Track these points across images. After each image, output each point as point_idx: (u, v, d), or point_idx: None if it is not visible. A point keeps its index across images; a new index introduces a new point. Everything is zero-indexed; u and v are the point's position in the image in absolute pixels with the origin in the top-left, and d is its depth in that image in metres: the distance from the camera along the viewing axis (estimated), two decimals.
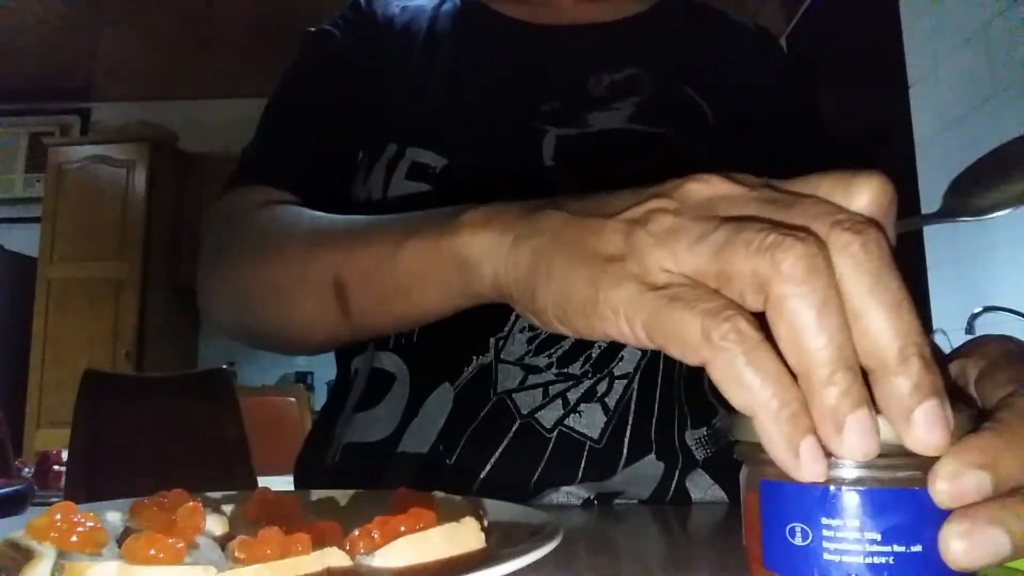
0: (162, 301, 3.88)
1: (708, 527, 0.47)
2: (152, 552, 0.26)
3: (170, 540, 0.26)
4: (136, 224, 3.79)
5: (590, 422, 0.53)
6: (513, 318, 0.55)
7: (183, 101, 4.16)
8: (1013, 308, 1.85)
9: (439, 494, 0.37)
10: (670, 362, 0.55)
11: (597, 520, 0.48)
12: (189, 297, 3.65)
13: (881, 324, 0.22)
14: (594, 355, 0.54)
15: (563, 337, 0.54)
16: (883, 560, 0.23)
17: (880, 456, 0.24)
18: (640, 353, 0.54)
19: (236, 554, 0.27)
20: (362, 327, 0.46)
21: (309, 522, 0.31)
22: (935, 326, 2.24)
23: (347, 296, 0.43)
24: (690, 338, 0.23)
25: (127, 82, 4.04)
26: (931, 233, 2.28)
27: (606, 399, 0.54)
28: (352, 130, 0.64)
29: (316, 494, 0.43)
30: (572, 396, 0.54)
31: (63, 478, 1.74)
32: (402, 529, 0.29)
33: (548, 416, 0.53)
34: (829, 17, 3.09)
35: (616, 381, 0.54)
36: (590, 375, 0.54)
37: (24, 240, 3.86)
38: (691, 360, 0.24)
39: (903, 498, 0.23)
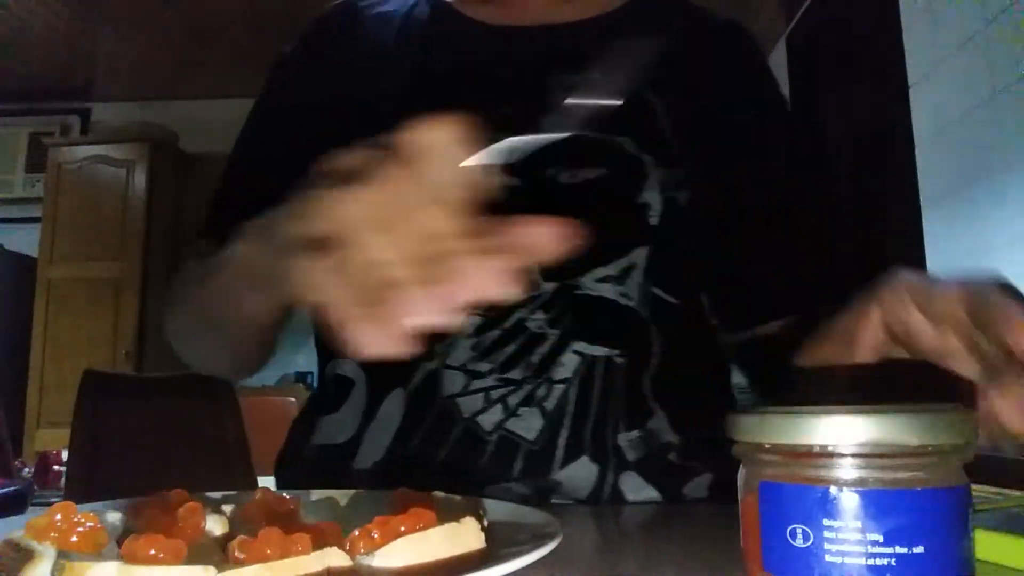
0: (162, 301, 3.87)
1: (701, 527, 0.47)
2: (152, 552, 0.26)
3: (170, 540, 0.26)
4: (136, 224, 3.79)
5: (528, 425, 0.55)
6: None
7: (183, 101, 4.16)
8: None
9: (439, 494, 0.37)
10: (607, 367, 0.57)
11: (589, 520, 0.48)
12: None
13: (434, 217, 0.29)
14: (534, 361, 0.56)
15: (505, 343, 0.56)
16: (885, 562, 0.23)
17: (882, 456, 0.24)
18: (579, 359, 0.56)
19: (236, 554, 0.27)
20: (240, 349, 0.58)
21: (309, 522, 0.31)
22: None
23: (217, 326, 0.54)
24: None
25: (127, 82, 4.03)
26: (931, 233, 2.28)
27: (544, 403, 0.55)
28: (307, 162, 0.65)
29: (316, 494, 0.43)
30: (512, 400, 0.55)
31: (63, 478, 1.74)
32: (402, 529, 0.29)
33: (488, 420, 0.55)
34: (829, 17, 3.09)
35: (555, 386, 0.56)
36: (530, 380, 0.56)
37: (24, 240, 3.86)
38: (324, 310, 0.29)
39: (905, 499, 0.23)
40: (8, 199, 4.11)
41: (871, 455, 0.24)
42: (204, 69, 3.88)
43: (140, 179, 3.82)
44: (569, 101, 0.62)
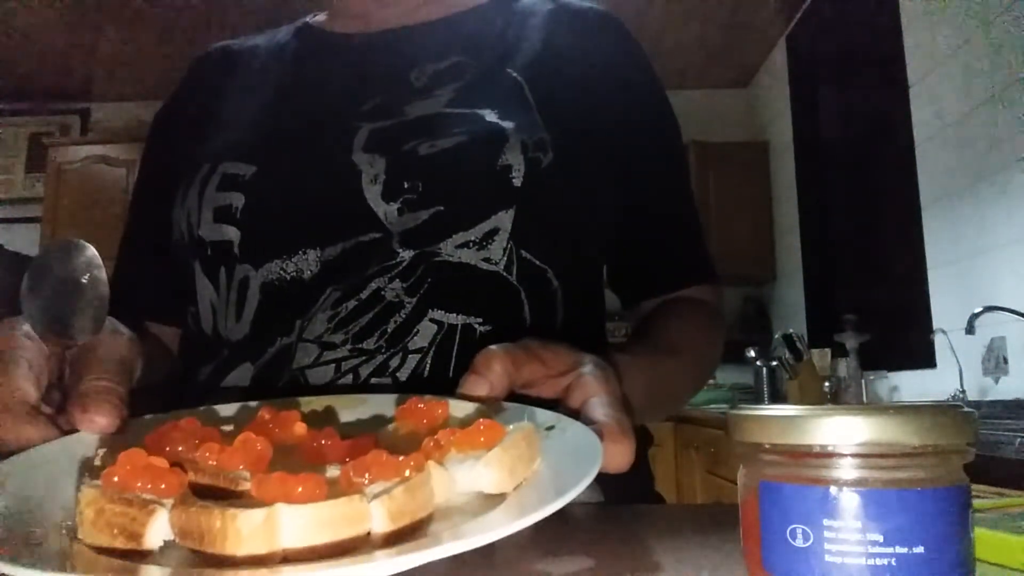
0: None
1: (701, 527, 0.47)
2: (300, 490, 0.25)
3: (310, 475, 0.26)
4: None
5: None
6: (321, 301, 0.55)
7: None
8: (1013, 308, 1.85)
9: (453, 400, 0.38)
10: (467, 336, 0.55)
11: (587, 520, 0.48)
12: None
13: None
14: (389, 330, 0.54)
15: (361, 314, 0.54)
16: (885, 562, 0.23)
17: (882, 456, 0.24)
18: (436, 327, 0.54)
19: (354, 478, 0.27)
20: None
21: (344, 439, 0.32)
22: (935, 326, 2.24)
23: None
24: None
25: (127, 82, 4.03)
26: (931, 234, 2.28)
27: (398, 374, 0.53)
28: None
29: (307, 402, 0.43)
30: (364, 371, 0.53)
31: None
32: (481, 440, 0.30)
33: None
34: (829, 17, 3.09)
35: (410, 356, 0.54)
36: (384, 350, 0.54)
37: (24, 240, 3.86)
38: None
39: (905, 499, 0.23)
40: (8, 199, 4.11)
41: (871, 455, 0.24)
42: None
43: None
44: (429, 84, 0.62)
